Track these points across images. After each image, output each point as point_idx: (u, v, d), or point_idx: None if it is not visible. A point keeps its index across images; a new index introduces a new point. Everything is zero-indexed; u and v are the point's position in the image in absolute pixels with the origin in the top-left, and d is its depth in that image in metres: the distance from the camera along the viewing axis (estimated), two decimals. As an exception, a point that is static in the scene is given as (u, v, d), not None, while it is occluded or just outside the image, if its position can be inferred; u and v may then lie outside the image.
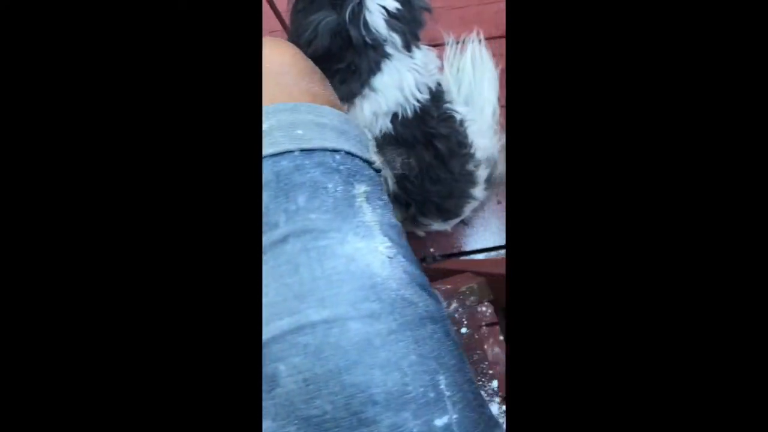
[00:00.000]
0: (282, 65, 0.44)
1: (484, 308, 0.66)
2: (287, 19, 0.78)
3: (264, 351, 0.35)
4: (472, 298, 0.67)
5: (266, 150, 0.39)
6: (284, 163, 0.39)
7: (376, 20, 0.69)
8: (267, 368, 0.34)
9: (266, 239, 0.37)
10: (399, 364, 0.34)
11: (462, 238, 1.01)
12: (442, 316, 0.40)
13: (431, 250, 1.00)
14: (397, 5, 0.70)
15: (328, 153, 0.40)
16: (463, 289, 0.67)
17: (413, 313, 0.37)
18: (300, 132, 0.40)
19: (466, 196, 0.89)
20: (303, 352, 0.34)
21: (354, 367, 0.34)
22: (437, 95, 0.81)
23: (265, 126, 0.40)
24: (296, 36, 0.72)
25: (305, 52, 0.72)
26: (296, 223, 0.37)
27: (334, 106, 0.45)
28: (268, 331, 0.35)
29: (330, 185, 0.39)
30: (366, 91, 0.73)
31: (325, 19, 0.69)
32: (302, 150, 0.39)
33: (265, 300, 0.36)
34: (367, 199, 0.41)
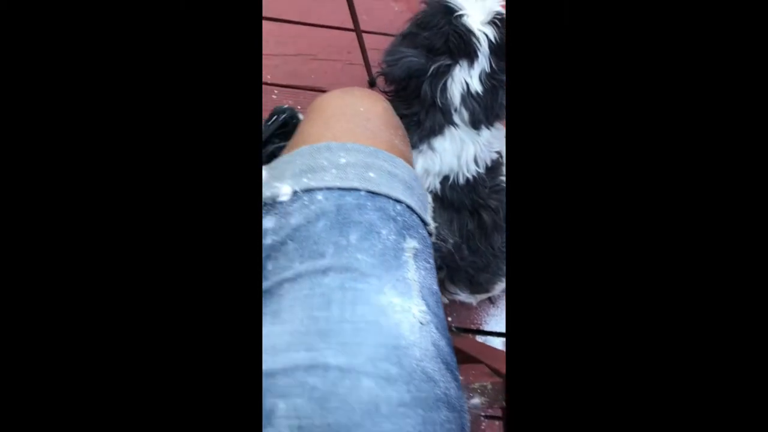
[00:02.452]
0: (372, 112, 0.46)
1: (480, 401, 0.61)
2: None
3: (268, 381, 0.33)
4: (482, 399, 0.60)
5: (335, 182, 0.40)
6: (348, 198, 0.40)
7: (455, 90, 0.70)
8: (266, 401, 0.33)
9: (308, 266, 0.37)
10: None
11: (485, 316, 0.97)
12: (462, 407, 0.37)
13: (449, 319, 0.97)
14: (480, 91, 0.71)
15: (391, 201, 0.41)
16: (475, 386, 0.61)
17: (430, 391, 0.35)
18: (372, 175, 0.41)
19: (501, 274, 0.87)
20: (308, 395, 0.32)
21: (354, 429, 0.31)
22: (495, 167, 0.81)
23: (342, 160, 0.41)
24: (386, 53, 0.75)
25: (382, 68, 0.75)
26: (342, 258, 0.37)
27: (407, 162, 0.46)
28: (280, 361, 0.34)
29: (384, 231, 0.39)
30: (424, 147, 0.74)
31: (412, 58, 0.70)
32: (368, 191, 0.40)
33: (288, 327, 0.35)
34: (415, 256, 0.40)
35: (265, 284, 0.38)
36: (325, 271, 0.36)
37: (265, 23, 1.02)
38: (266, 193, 0.41)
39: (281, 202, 0.40)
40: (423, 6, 0.74)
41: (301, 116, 0.93)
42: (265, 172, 0.43)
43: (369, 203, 0.40)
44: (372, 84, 0.98)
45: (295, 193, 0.40)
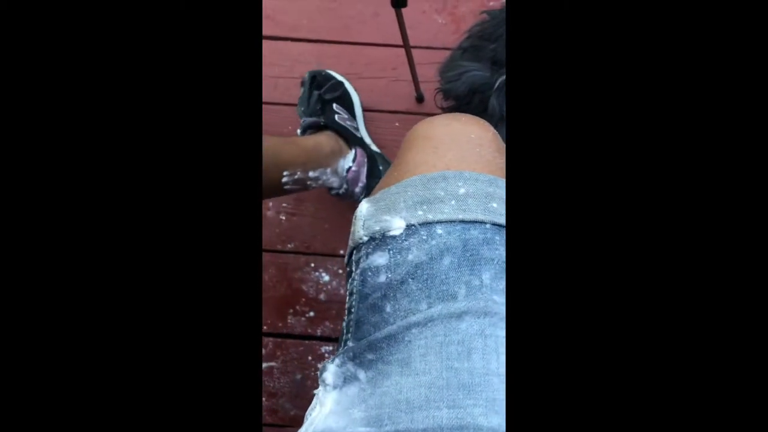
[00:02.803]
0: (484, 139, 0.43)
1: None
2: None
3: None
4: None
5: (456, 215, 0.37)
6: (474, 232, 0.36)
7: (523, 99, 0.67)
8: None
9: (440, 309, 0.34)
10: None
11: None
12: None
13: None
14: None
15: None
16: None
17: None
18: (495, 206, 0.38)
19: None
20: None
21: None
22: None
23: (460, 191, 0.38)
24: (443, 68, 0.72)
25: (440, 85, 0.71)
26: (477, 301, 0.34)
27: None
28: (419, 420, 0.31)
29: None
30: (493, 163, 0.70)
31: (475, 72, 0.67)
32: (494, 224, 0.37)
33: (424, 379, 0.32)
34: None
35: (388, 329, 0.35)
36: (460, 316, 0.33)
37: (305, 45, 0.99)
38: (375, 227, 0.38)
39: (393, 237, 0.37)
40: (484, 17, 0.70)
41: (335, 73, 0.93)
42: (370, 204, 0.40)
43: (497, 237, 0.36)
44: (420, 99, 0.95)
45: (408, 227, 0.37)
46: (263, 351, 0.95)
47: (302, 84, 0.93)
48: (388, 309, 0.36)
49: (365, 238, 0.39)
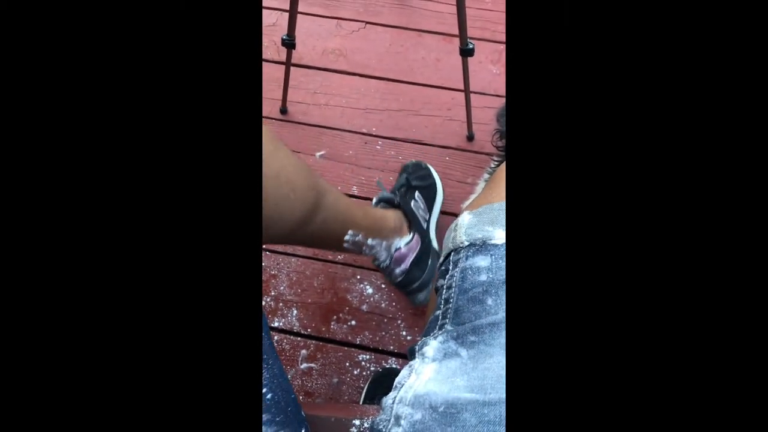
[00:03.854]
0: None
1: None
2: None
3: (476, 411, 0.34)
4: None
5: None
6: None
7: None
8: (501, 430, 0.33)
9: None
10: None
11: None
12: None
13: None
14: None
15: None
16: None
17: None
18: None
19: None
20: None
21: None
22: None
23: None
24: (502, 111, 0.80)
25: (498, 126, 0.79)
26: None
27: None
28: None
29: None
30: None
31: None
32: None
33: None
34: None
35: (491, 318, 0.40)
36: None
37: (372, 81, 1.11)
38: (477, 234, 0.45)
39: (495, 245, 0.43)
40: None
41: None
42: (473, 216, 0.48)
43: None
44: (470, 138, 1.06)
45: None
46: (305, 352, 1.03)
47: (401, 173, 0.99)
48: (489, 302, 0.40)
49: (466, 243, 0.44)
